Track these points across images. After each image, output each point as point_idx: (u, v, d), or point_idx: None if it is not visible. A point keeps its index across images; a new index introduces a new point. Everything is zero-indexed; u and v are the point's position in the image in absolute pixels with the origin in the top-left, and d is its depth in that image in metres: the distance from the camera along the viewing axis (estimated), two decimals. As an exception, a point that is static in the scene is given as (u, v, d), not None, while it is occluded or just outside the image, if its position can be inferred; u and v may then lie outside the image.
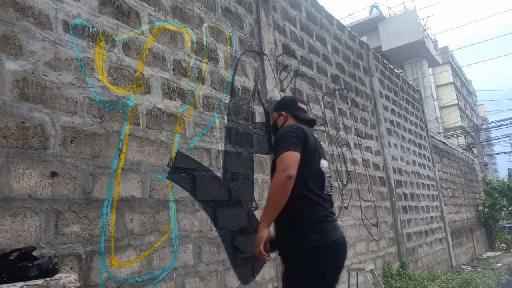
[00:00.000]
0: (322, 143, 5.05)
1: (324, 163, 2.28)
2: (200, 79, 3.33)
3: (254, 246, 2.11)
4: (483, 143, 25.82)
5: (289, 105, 2.54)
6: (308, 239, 2.06)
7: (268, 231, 2.08)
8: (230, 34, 3.85)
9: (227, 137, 3.48)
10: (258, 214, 3.57)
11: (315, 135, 2.45)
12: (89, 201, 2.28)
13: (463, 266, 9.77)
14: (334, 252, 2.09)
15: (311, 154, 2.18)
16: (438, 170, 10.11)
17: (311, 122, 2.52)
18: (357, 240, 5.36)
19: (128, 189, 2.53)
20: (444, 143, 12.03)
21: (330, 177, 2.30)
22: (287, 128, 2.25)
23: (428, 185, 8.94)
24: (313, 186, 2.16)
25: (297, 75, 4.87)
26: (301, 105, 2.56)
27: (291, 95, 2.41)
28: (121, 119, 2.59)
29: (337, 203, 5.06)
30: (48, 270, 1.66)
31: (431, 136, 10.43)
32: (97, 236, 2.28)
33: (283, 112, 2.52)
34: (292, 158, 2.06)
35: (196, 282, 2.86)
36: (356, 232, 5.39)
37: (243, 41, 4.02)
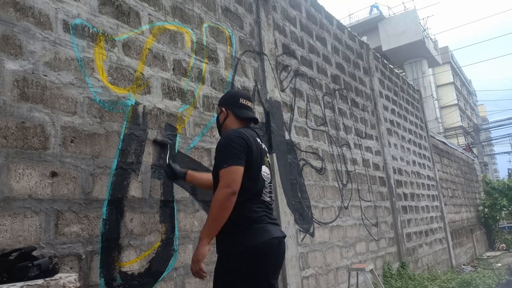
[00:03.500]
0: (322, 143, 5.06)
1: (265, 170, 2.22)
2: (200, 79, 3.33)
3: (192, 262, 2.04)
4: (483, 143, 25.83)
5: (230, 101, 2.35)
6: (237, 243, 2.03)
7: (208, 248, 2.01)
8: (230, 34, 3.85)
9: (227, 137, 3.48)
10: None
11: (258, 133, 2.35)
12: (89, 201, 2.28)
13: (463, 266, 9.77)
14: (264, 254, 2.03)
15: (253, 163, 2.12)
16: (438, 170, 10.11)
17: (254, 120, 2.37)
18: (357, 240, 5.36)
19: (128, 189, 2.53)
20: (444, 143, 12.03)
21: (270, 183, 2.24)
22: (229, 136, 2.13)
23: (428, 185, 8.95)
24: (251, 194, 2.11)
25: (297, 75, 4.88)
26: (243, 101, 2.34)
27: (237, 90, 2.21)
28: (121, 119, 2.59)
29: (337, 203, 5.06)
30: (48, 270, 1.66)
31: (431, 136, 10.43)
32: (97, 236, 2.28)
33: (223, 109, 2.35)
34: (235, 173, 2.01)
35: (196, 282, 2.86)
36: (356, 232, 5.39)
37: (243, 41, 4.02)
